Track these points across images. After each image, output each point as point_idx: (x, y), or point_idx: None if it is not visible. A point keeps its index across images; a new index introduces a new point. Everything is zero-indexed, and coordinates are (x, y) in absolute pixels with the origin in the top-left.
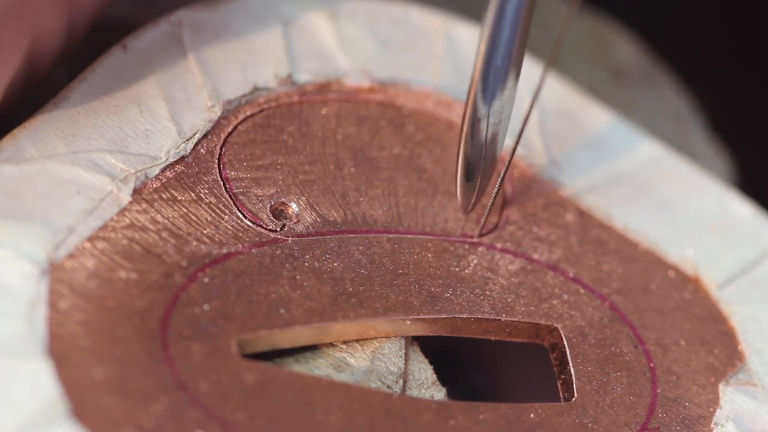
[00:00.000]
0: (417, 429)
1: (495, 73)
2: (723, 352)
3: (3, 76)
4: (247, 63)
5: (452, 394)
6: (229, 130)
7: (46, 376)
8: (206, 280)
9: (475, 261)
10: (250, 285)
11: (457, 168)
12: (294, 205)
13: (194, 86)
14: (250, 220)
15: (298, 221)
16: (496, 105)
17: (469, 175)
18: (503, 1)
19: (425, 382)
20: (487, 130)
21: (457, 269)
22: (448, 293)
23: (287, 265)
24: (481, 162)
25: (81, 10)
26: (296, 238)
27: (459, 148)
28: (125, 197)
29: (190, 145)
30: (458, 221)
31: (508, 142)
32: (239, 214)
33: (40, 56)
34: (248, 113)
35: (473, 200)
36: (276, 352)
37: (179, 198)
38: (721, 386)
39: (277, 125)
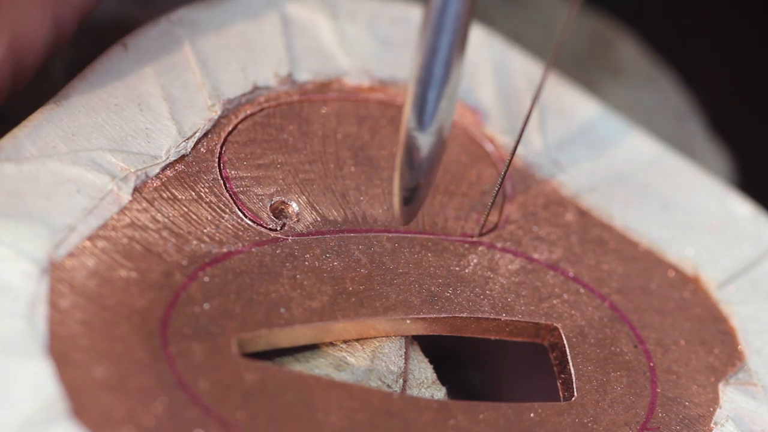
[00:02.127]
0: (417, 428)
1: (432, 93)
2: (723, 351)
3: None
4: (248, 62)
5: (452, 393)
6: (230, 129)
7: (46, 375)
8: (206, 279)
9: (475, 260)
10: (250, 284)
11: (394, 195)
12: (294, 204)
13: (194, 85)
14: (250, 219)
15: (298, 220)
16: (435, 124)
17: (408, 201)
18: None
19: (425, 382)
20: (426, 152)
21: (457, 268)
22: (448, 292)
23: (287, 264)
24: (420, 185)
25: (67, 7)
26: (296, 237)
27: (395, 175)
28: (125, 196)
29: (191, 144)
30: (458, 220)
31: (508, 141)
32: (239, 213)
33: (25, 53)
34: (248, 112)
35: (415, 215)
36: (276, 351)
37: (179, 197)
38: (720, 386)
39: (278, 124)
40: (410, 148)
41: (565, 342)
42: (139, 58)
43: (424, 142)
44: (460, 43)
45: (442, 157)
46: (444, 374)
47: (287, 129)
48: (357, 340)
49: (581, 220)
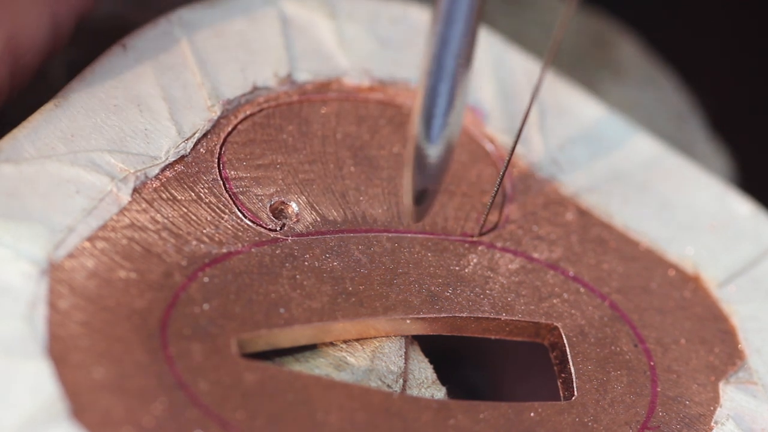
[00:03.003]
0: (417, 428)
1: (439, 106)
2: (723, 350)
3: None
4: (247, 62)
5: (452, 393)
6: (229, 129)
7: (46, 376)
8: (206, 279)
9: (475, 260)
10: (249, 284)
11: (403, 195)
12: (294, 205)
13: (194, 85)
14: (249, 220)
15: (297, 220)
16: (444, 133)
17: (419, 200)
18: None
19: (425, 381)
20: (435, 156)
21: (457, 268)
22: (448, 292)
23: (287, 264)
24: (431, 184)
25: (65, 6)
26: (296, 238)
27: (405, 176)
28: (125, 197)
29: (190, 144)
30: (458, 220)
31: (508, 140)
32: (239, 213)
33: (23, 53)
34: (248, 112)
35: (426, 214)
36: (276, 351)
37: (179, 197)
38: (721, 385)
39: (277, 124)
40: (420, 147)
41: (565, 341)
42: (139, 58)
43: (434, 145)
44: (470, 35)
45: (453, 155)
46: (444, 374)
47: (287, 129)
48: (357, 340)
49: (581, 219)
